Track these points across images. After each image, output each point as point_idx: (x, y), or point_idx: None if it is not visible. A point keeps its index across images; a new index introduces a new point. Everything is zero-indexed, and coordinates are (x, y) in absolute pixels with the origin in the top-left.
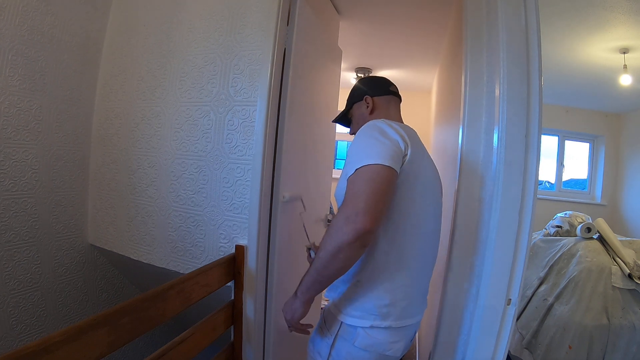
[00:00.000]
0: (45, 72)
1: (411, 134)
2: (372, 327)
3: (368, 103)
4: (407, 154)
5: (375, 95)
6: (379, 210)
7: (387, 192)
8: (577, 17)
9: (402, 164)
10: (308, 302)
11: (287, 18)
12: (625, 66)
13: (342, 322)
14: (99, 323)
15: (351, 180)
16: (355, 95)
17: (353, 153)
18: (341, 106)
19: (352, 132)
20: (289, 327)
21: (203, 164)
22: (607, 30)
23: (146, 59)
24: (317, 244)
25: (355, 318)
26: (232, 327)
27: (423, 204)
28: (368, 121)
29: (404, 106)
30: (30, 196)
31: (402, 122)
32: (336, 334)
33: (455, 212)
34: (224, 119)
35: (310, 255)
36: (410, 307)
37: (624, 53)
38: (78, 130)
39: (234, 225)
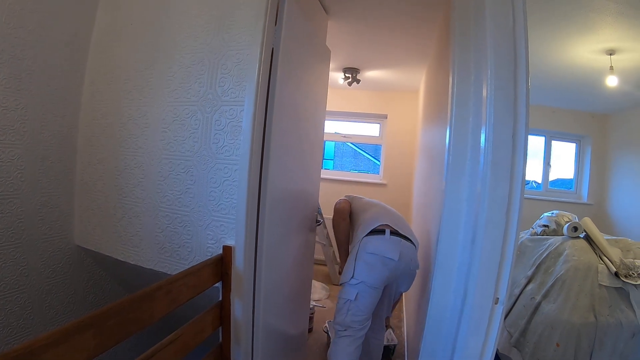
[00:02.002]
0: (32, 70)
1: (356, 197)
2: (371, 232)
3: None
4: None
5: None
6: (346, 207)
7: (348, 203)
8: (565, 19)
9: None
10: (342, 256)
11: (275, 18)
12: (611, 67)
13: (360, 240)
14: (86, 325)
15: None
16: None
17: None
18: (329, 106)
19: None
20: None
21: (190, 165)
22: (594, 32)
23: (133, 58)
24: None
25: (363, 235)
26: (220, 328)
27: (367, 205)
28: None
29: (392, 107)
30: (15, 197)
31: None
32: (357, 251)
33: (442, 212)
34: (211, 119)
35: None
36: (387, 222)
37: (610, 55)
38: (64, 130)
39: (221, 225)
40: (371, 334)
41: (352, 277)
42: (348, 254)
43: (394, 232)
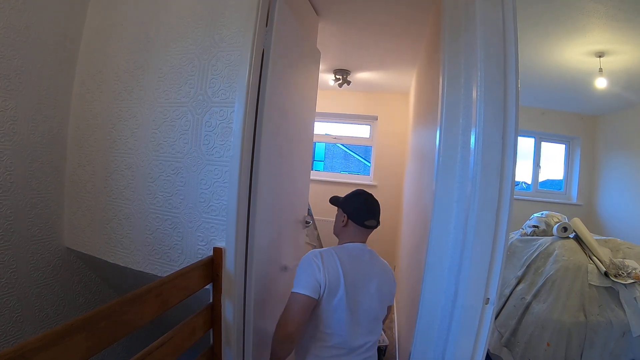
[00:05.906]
0: (21, 71)
1: (342, 264)
2: None
3: (344, 220)
4: (321, 285)
5: (351, 220)
6: (295, 325)
7: (302, 312)
8: (555, 21)
9: (320, 292)
10: None
11: (266, 19)
12: (600, 69)
13: None
14: (77, 328)
15: (288, 298)
16: (342, 204)
17: (295, 275)
18: (319, 108)
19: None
20: None
21: (180, 166)
22: (583, 35)
23: (124, 58)
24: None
25: None
26: (211, 330)
27: (342, 312)
28: (341, 228)
29: (383, 108)
30: (5, 198)
31: (362, 243)
32: None
33: (432, 213)
34: (201, 120)
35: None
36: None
37: (600, 57)
38: (54, 131)
39: (212, 227)
40: None
41: None
42: None
43: None
